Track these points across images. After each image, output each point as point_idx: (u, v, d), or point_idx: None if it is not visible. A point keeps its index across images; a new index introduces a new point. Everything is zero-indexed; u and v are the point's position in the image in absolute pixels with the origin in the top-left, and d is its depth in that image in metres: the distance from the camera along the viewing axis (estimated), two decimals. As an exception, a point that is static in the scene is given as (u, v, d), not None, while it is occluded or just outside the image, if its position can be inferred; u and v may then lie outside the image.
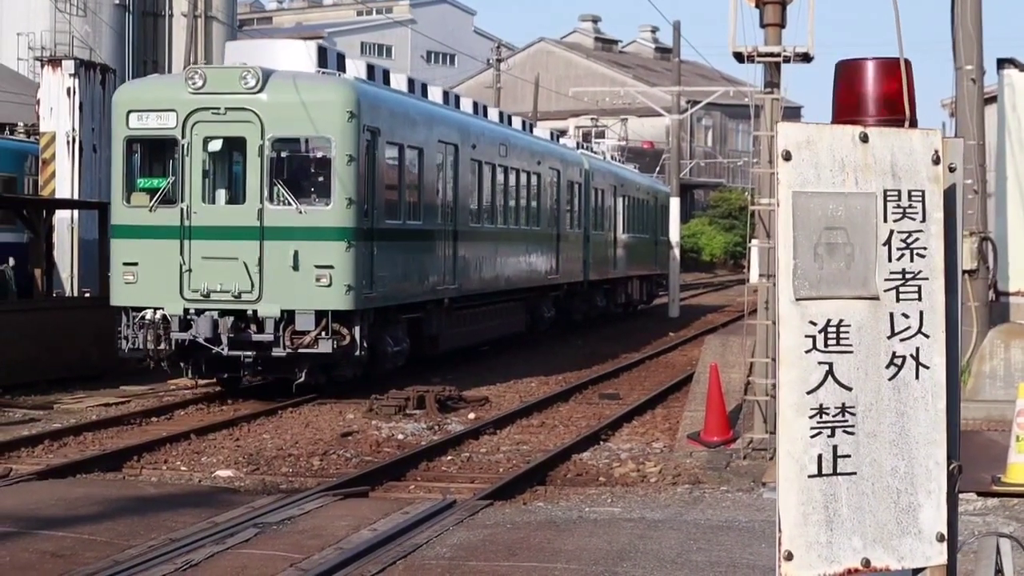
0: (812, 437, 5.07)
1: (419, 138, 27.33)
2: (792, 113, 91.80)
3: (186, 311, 22.93)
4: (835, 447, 5.07)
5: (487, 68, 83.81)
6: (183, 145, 23.32)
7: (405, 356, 26.67)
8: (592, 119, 63.90)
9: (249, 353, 22.96)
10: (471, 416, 23.10)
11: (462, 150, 30.08)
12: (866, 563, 5.12)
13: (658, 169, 71.68)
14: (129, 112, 23.75)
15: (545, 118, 66.38)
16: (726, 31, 19.20)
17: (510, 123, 37.58)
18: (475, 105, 34.31)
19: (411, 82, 29.20)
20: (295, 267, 22.79)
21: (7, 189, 32.45)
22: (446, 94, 31.91)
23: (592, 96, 73.79)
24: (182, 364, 24.04)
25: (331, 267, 22.80)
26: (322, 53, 25.04)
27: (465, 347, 31.75)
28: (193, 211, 23.35)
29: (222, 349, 22.72)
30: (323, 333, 22.71)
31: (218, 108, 23.17)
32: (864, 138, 5.06)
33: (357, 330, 23.19)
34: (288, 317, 22.83)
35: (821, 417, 5.06)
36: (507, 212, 34.49)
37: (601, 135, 65.02)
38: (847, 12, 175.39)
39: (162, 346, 22.86)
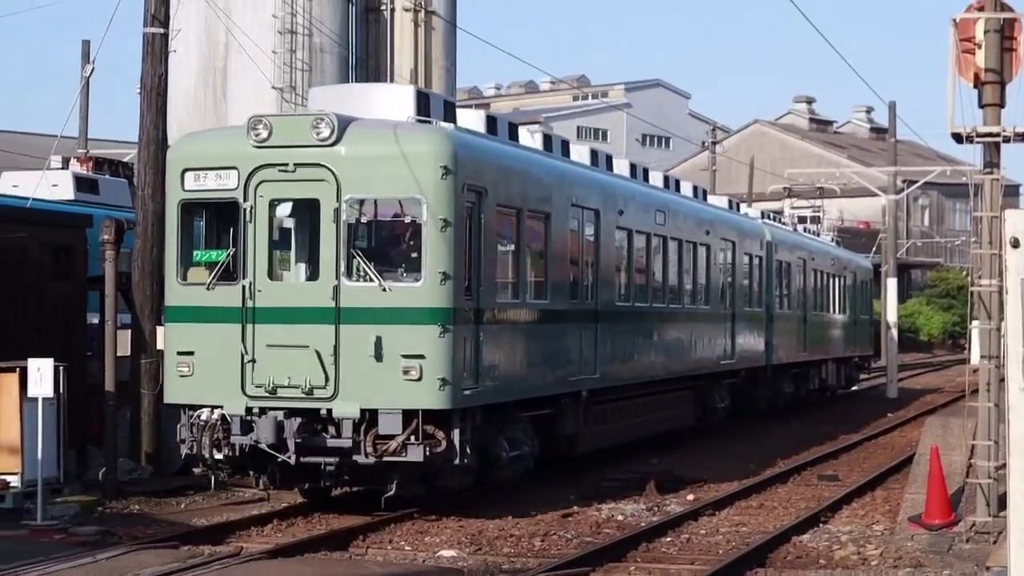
0: (1045, 526, 4.98)
1: (544, 201, 22.18)
2: (1011, 191, 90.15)
3: (248, 410, 18.65)
4: (1068, 537, 4.98)
5: (702, 150, 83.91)
6: (245, 209, 18.92)
7: (530, 460, 21.77)
8: (786, 188, 62.90)
9: (330, 460, 18.68)
10: (690, 497, 22.89)
11: (605, 216, 24.66)
12: (1101, 655, 4.99)
13: (874, 249, 70.78)
14: (185, 171, 19.38)
15: (760, 199, 65.99)
16: (942, 110, 18.98)
17: (677, 188, 31.91)
18: (632, 168, 28.63)
19: (547, 139, 24.29)
20: (378, 357, 18.28)
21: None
22: (595, 154, 26.49)
23: (808, 177, 73.25)
24: (251, 472, 19.93)
25: (421, 356, 18.19)
26: (422, 99, 20.18)
27: (613, 447, 26.23)
28: (257, 289, 18.91)
29: (288, 457, 18.43)
30: (413, 437, 18.21)
31: (286, 164, 18.72)
32: (1093, 225, 5.00)
33: (456, 433, 18.59)
34: (370, 417, 18.37)
35: (1053, 506, 4.98)
36: (666, 289, 28.81)
37: (817, 215, 64.54)
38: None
39: (223, 452, 18.89)
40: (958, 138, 18.95)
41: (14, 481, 19.78)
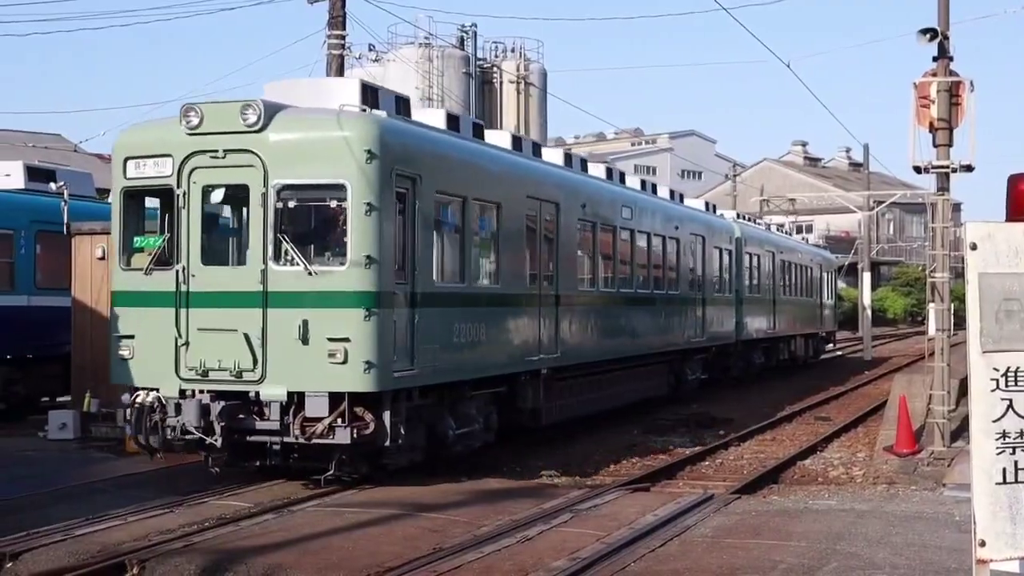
0: (997, 455, 4.91)
1: (494, 191, 17.24)
2: (955, 208, 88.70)
3: (182, 392, 14.22)
4: (1016, 462, 4.90)
5: (725, 181, 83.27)
6: (178, 195, 14.47)
7: (484, 434, 17.24)
8: (764, 202, 62.06)
9: (275, 439, 14.11)
10: (721, 432, 22.73)
11: (565, 208, 19.53)
12: (1042, 549, 4.90)
13: (853, 251, 69.78)
14: (127, 159, 14.89)
15: (768, 213, 65.36)
16: (904, 148, 18.83)
17: (654, 191, 26.60)
18: (608, 171, 23.61)
19: (516, 139, 19.22)
20: (304, 340, 13.76)
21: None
22: (568, 156, 21.46)
23: (803, 200, 72.47)
24: (201, 451, 14.73)
25: (346, 340, 13.67)
26: (368, 92, 15.16)
27: (581, 417, 21.30)
28: (191, 274, 14.42)
29: (216, 440, 13.90)
30: (340, 420, 13.75)
31: (216, 151, 14.27)
32: (1033, 231, 4.91)
33: (387, 415, 14.06)
34: (299, 400, 13.90)
35: (1004, 440, 4.90)
36: (634, 276, 23.63)
37: (810, 228, 64.32)
38: (1006, 127, 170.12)
39: (160, 434, 14.20)
40: (917, 170, 18.77)
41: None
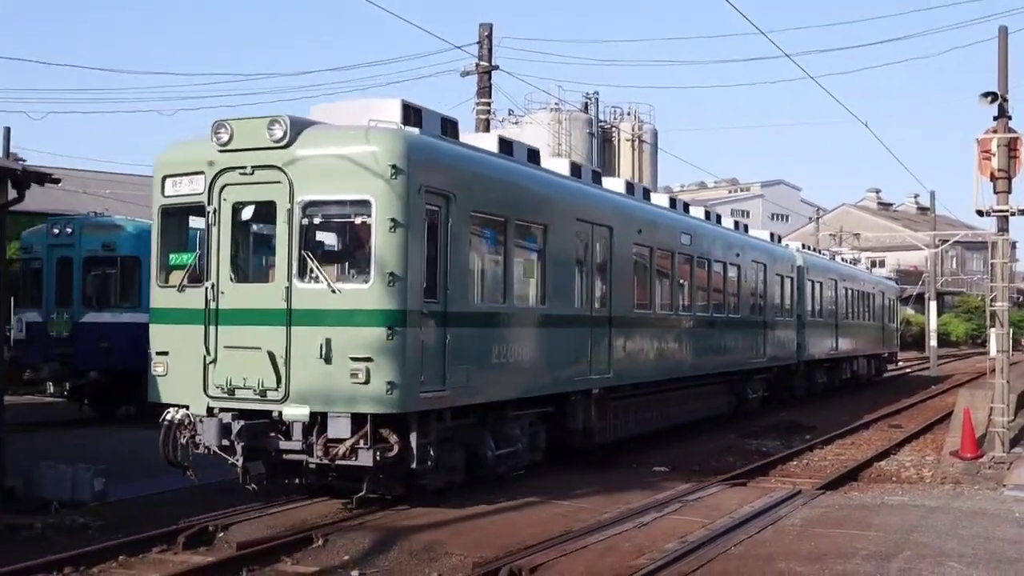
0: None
1: (538, 213, 14.42)
2: (1012, 246, 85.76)
3: (210, 410, 12.05)
4: (1078, 468, 4.67)
5: (809, 223, 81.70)
6: (209, 212, 12.31)
7: (527, 455, 14.62)
8: (833, 236, 60.71)
9: (310, 459, 11.75)
10: (807, 437, 22.19)
11: (619, 232, 16.77)
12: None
13: (920, 283, 67.81)
14: (164, 177, 12.76)
15: (839, 250, 64.06)
16: (967, 194, 18.31)
17: (719, 220, 23.49)
18: (672, 201, 20.74)
19: (575, 167, 16.67)
20: (327, 359, 11.43)
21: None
22: (629, 185, 18.68)
23: (876, 239, 70.76)
24: (237, 468, 12.03)
25: (368, 359, 11.34)
26: (410, 111, 12.68)
27: (635, 436, 18.57)
28: (220, 291, 12.23)
29: (236, 460, 11.83)
30: (363, 441, 11.44)
31: (245, 167, 12.09)
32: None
33: (414, 436, 11.78)
34: (322, 420, 11.62)
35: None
36: (693, 300, 20.62)
37: (882, 263, 62.88)
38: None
39: (191, 450, 12.18)
40: (980, 213, 18.25)
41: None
